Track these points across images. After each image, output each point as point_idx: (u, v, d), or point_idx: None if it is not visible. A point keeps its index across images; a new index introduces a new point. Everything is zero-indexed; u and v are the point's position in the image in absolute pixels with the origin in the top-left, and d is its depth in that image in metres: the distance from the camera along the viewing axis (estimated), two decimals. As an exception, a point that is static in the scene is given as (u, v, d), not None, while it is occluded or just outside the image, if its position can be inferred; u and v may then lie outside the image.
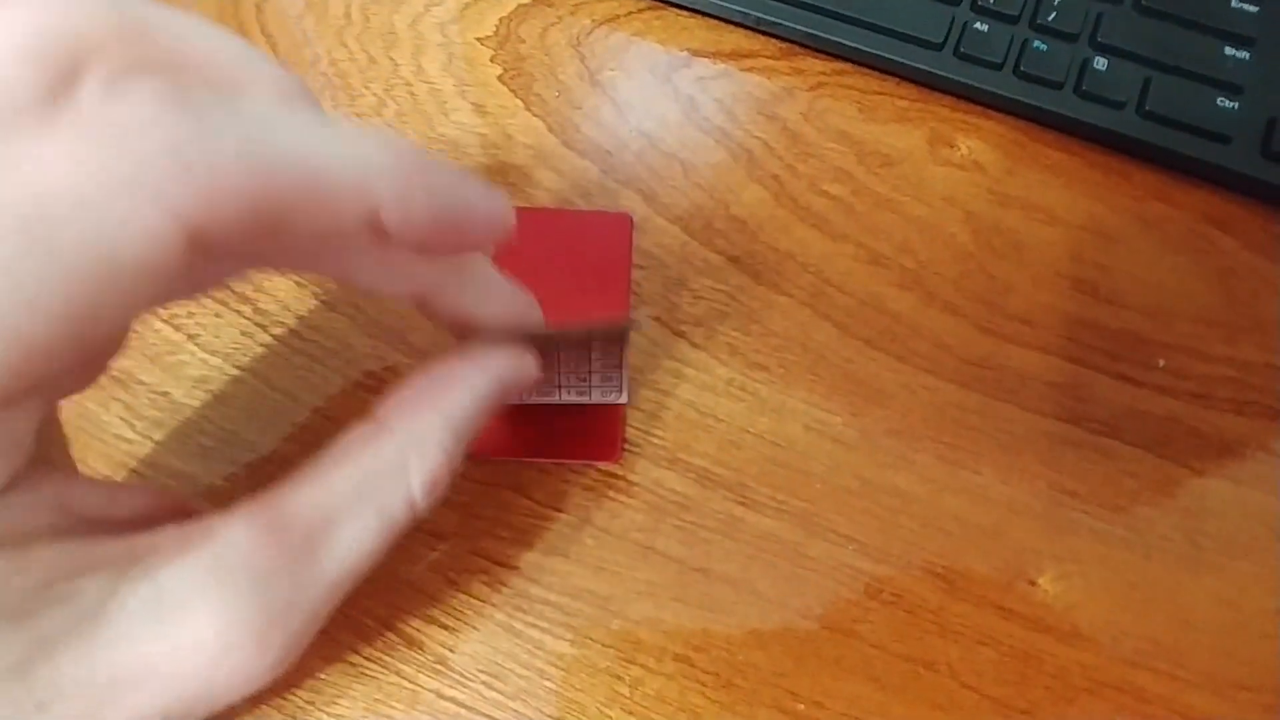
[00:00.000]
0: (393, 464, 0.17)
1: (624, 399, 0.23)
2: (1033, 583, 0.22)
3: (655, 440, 0.24)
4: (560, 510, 0.23)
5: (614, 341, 0.21)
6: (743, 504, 0.23)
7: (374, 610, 0.21)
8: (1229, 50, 0.29)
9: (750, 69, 0.31)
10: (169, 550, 0.15)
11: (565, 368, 0.22)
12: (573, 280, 0.26)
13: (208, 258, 0.13)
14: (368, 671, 0.21)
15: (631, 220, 0.27)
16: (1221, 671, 0.22)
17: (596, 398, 0.23)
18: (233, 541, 0.15)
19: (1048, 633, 0.22)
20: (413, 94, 0.29)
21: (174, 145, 0.12)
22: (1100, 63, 0.29)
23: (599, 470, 0.23)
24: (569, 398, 0.23)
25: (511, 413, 0.24)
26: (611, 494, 0.23)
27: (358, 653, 0.21)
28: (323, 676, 0.20)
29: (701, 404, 0.24)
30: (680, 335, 0.25)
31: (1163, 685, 0.22)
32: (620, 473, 0.23)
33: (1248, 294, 0.27)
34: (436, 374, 0.18)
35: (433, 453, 0.17)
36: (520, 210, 0.27)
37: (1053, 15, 0.30)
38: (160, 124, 0.12)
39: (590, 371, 0.22)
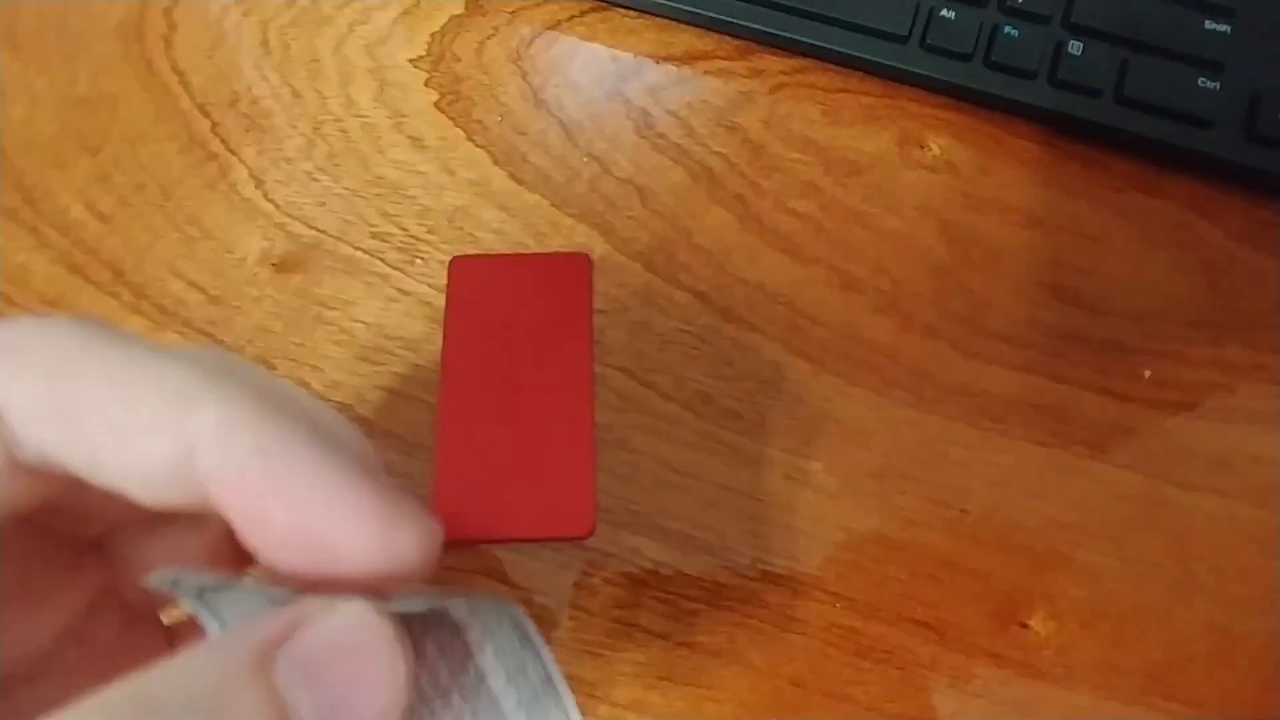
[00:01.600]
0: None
1: None
2: (1024, 625, 0.22)
3: (630, 505, 0.23)
4: (537, 592, 0.22)
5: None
6: (726, 567, 0.22)
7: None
8: (1209, 24, 0.28)
9: (706, 72, 0.29)
10: None
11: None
12: (528, 335, 0.25)
13: None
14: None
15: (590, 261, 0.26)
16: (1214, 700, 0.22)
17: None
18: None
19: (1041, 678, 0.22)
20: (344, 131, 0.27)
21: None
22: (1075, 46, 0.28)
23: (573, 546, 0.22)
24: None
25: (473, 492, 0.23)
26: (588, 570, 0.22)
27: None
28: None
29: (676, 461, 0.23)
30: (649, 386, 0.24)
31: (1157, 720, 0.21)
32: (596, 545, 0.22)
33: (1233, 289, 0.26)
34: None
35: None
36: (471, 259, 0.26)
37: (1024, -4, 0.28)
38: None
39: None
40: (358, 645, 0.11)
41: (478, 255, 0.26)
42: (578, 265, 0.26)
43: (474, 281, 0.25)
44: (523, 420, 0.24)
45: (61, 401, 0.11)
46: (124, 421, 0.11)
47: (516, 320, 0.25)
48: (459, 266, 0.26)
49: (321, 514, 0.11)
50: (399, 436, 0.23)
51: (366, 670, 0.11)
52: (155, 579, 0.11)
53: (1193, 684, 0.22)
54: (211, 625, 0.12)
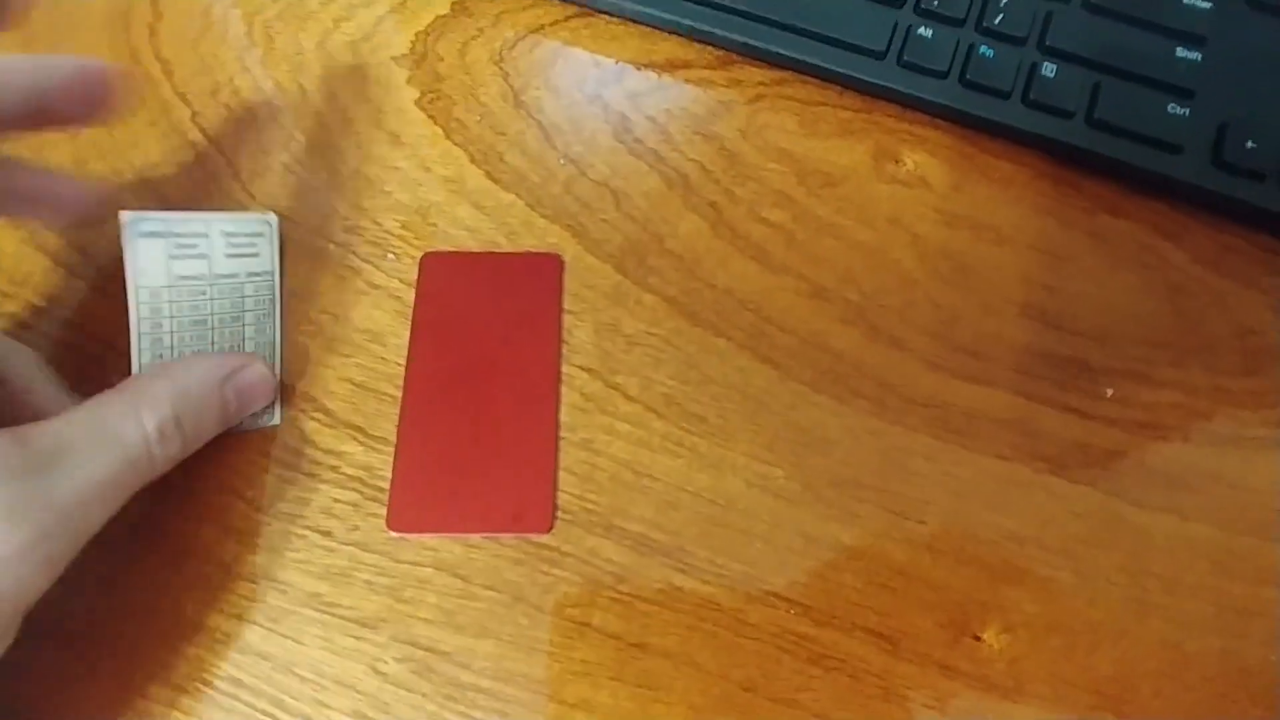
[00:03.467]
0: (126, 409, 0.19)
1: (276, 419, 0.24)
2: (977, 638, 0.22)
3: (589, 505, 0.23)
4: (490, 589, 0.22)
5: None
6: (681, 570, 0.22)
7: (293, 706, 0.20)
8: (1180, 52, 0.28)
9: (685, 80, 0.29)
10: None
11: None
12: (496, 332, 0.25)
13: None
14: (292, 775, 0.20)
15: (561, 262, 0.26)
16: (1165, 717, 0.22)
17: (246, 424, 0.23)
18: None
19: (992, 691, 0.22)
20: (323, 124, 0.27)
21: None
22: (1048, 68, 0.28)
23: (530, 542, 0.22)
24: None
25: (432, 485, 0.23)
26: (544, 568, 0.22)
27: (281, 754, 0.20)
28: (245, 783, 0.20)
29: (637, 463, 0.23)
30: (614, 388, 0.24)
31: (1107, 736, 0.21)
32: (553, 543, 0.22)
33: (1196, 311, 0.27)
34: (169, 361, 0.22)
35: (162, 404, 0.20)
36: (442, 256, 0.26)
37: (1000, 17, 0.28)
38: None
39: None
40: (262, 384, 0.23)
41: (449, 252, 0.26)
42: (549, 266, 0.26)
43: (444, 278, 0.26)
44: (487, 416, 0.24)
45: None
46: None
47: (485, 318, 0.25)
48: (430, 262, 0.26)
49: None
50: (360, 428, 0.23)
51: (263, 395, 0.23)
52: (125, 214, 0.21)
53: (1144, 700, 0.22)
54: (131, 263, 0.21)
